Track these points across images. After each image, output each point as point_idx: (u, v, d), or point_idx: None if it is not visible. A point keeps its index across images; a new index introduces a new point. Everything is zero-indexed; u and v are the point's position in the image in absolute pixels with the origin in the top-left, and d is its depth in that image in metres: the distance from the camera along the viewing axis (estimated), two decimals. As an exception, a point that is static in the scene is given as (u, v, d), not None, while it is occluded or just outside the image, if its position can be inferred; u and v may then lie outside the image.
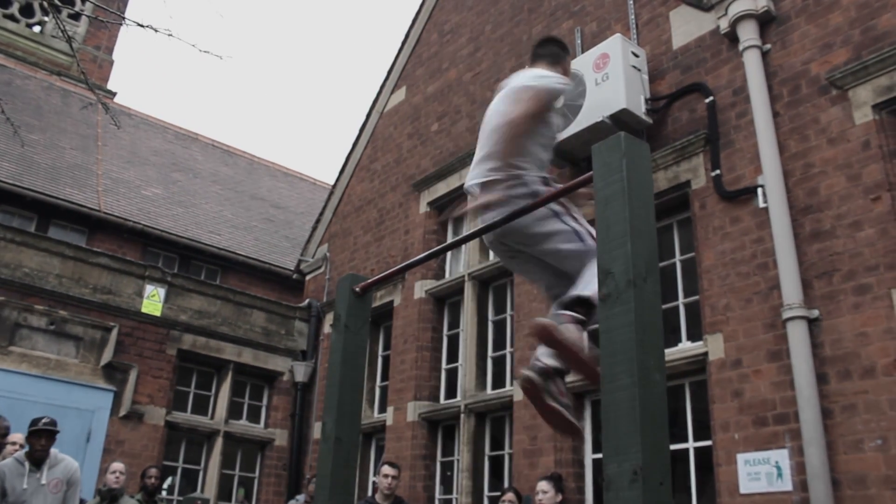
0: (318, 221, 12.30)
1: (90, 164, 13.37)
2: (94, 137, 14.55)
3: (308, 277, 12.18)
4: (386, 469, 6.60)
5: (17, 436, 5.91)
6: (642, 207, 2.26)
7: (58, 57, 17.81)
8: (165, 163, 15.41)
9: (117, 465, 7.01)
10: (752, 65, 6.26)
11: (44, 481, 5.38)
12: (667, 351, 5.98)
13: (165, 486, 9.46)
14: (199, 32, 60.47)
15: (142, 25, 6.19)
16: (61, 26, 7.17)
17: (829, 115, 5.73)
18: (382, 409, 9.65)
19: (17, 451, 5.66)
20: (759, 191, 5.96)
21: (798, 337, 5.35)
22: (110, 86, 19.33)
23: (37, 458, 5.42)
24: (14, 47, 17.16)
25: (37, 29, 18.39)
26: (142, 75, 56.00)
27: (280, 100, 68.75)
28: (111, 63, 19.48)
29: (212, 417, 10.57)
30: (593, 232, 2.85)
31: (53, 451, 5.57)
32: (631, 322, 2.12)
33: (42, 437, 5.42)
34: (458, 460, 8.31)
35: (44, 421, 5.47)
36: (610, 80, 6.82)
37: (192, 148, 16.97)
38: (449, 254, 9.47)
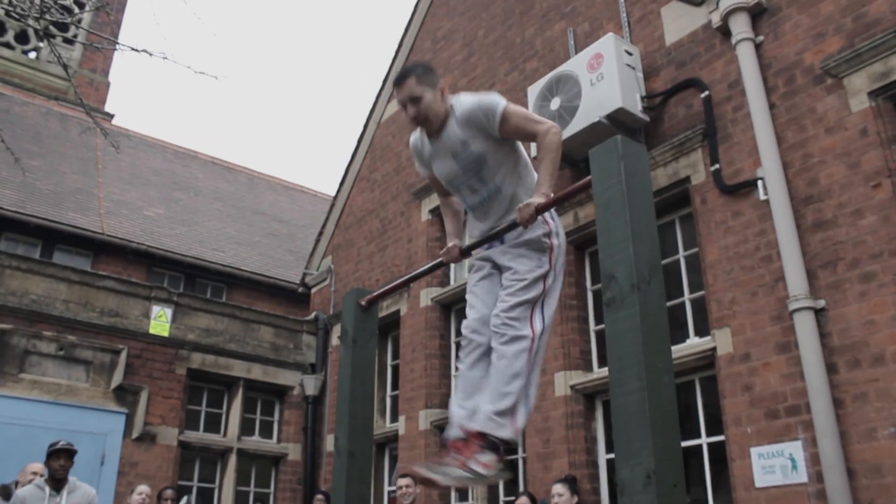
0: (320, 234, 12.32)
1: (91, 187, 13.41)
2: (94, 160, 14.60)
3: (313, 290, 12.19)
4: (402, 482, 6.62)
5: (37, 465, 5.92)
6: (642, 210, 2.27)
7: (54, 82, 17.87)
8: (166, 182, 15.44)
9: (143, 488, 7.01)
10: (746, 57, 6.26)
11: None
12: (675, 347, 5.98)
13: (181, 505, 9.46)
14: (193, 51, 60.63)
15: (136, 50, 6.23)
16: (56, 52, 7.21)
17: (825, 104, 5.73)
18: (394, 419, 9.64)
19: (36, 479, 5.70)
20: (760, 183, 5.96)
21: (805, 328, 5.35)
22: (107, 107, 19.38)
23: (57, 480, 5.48)
24: (11, 74, 17.23)
25: (32, 55, 18.47)
26: (139, 96, 56.17)
27: (278, 114, 68.88)
28: (107, 85, 19.55)
29: (224, 435, 10.57)
30: (548, 316, 2.93)
31: (72, 478, 5.63)
32: (637, 326, 2.12)
33: (61, 457, 5.52)
34: (472, 466, 8.28)
35: (62, 442, 5.57)
36: (605, 79, 6.83)
37: (191, 166, 17.00)
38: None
